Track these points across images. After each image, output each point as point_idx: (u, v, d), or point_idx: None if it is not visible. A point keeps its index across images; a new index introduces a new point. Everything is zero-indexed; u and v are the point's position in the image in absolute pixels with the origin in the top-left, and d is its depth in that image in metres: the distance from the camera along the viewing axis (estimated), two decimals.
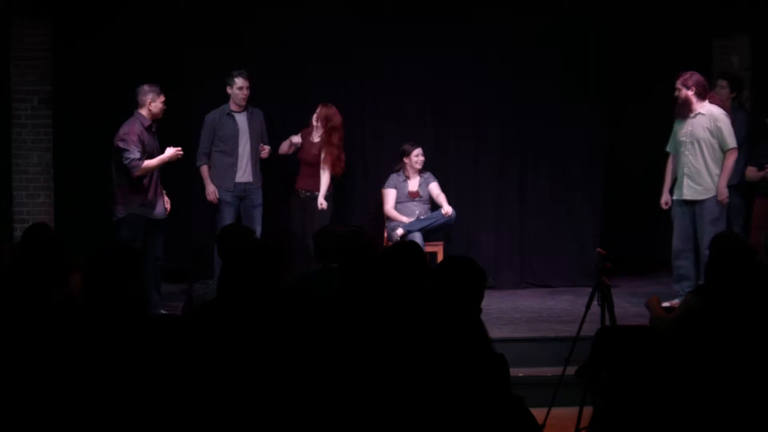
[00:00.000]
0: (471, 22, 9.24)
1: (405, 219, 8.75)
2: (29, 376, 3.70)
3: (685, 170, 7.92)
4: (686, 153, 7.92)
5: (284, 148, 8.75)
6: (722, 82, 8.68)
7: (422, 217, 8.81)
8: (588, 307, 5.88)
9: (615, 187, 9.38)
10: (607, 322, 5.66)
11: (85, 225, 8.56)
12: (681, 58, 9.03)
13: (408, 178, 8.92)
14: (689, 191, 7.91)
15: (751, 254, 4.55)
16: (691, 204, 7.94)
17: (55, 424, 3.59)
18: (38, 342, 3.81)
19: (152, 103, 7.83)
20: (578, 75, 9.26)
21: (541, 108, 9.35)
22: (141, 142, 7.73)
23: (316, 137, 8.69)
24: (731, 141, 7.86)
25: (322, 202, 8.56)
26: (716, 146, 7.87)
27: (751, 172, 8.26)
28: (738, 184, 8.23)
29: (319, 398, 3.59)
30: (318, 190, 8.60)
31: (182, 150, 7.93)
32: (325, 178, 8.60)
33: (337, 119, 8.65)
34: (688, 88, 7.87)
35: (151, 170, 7.82)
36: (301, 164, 8.77)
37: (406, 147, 8.88)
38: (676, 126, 8.04)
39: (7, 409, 3.67)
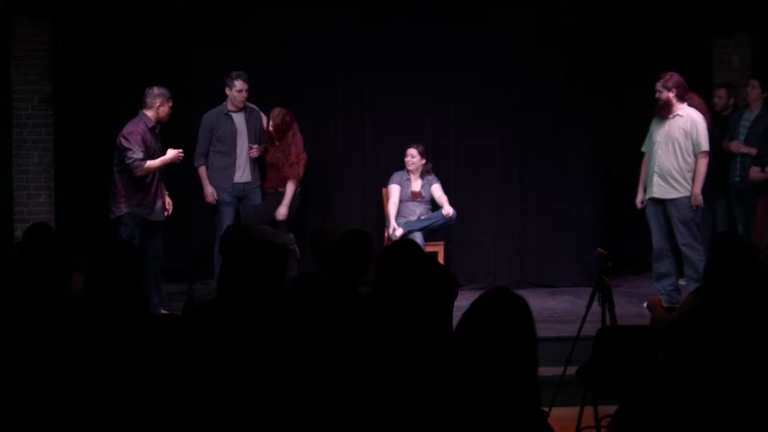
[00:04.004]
0: (471, 22, 9.24)
1: (394, 224, 8.72)
2: (31, 376, 3.71)
3: (656, 169, 7.97)
4: (659, 152, 7.95)
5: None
6: (753, 82, 8.71)
7: (423, 217, 8.81)
8: (589, 307, 5.89)
9: (615, 187, 9.38)
10: (608, 322, 5.67)
11: (86, 225, 8.55)
12: (681, 58, 9.04)
13: (410, 177, 8.91)
14: (659, 189, 7.96)
15: (751, 254, 4.55)
16: (662, 203, 7.97)
17: (56, 423, 3.59)
18: (39, 342, 3.82)
19: (160, 107, 7.84)
20: (578, 75, 9.26)
21: (541, 108, 9.35)
22: (144, 142, 7.74)
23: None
24: (705, 144, 7.88)
25: (283, 212, 8.45)
26: (689, 148, 7.89)
27: (755, 172, 8.26)
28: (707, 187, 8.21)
29: (319, 399, 3.59)
30: (283, 187, 8.49)
31: (183, 152, 7.95)
32: (288, 189, 8.49)
33: (281, 123, 8.44)
34: (668, 89, 7.90)
35: (152, 171, 7.83)
36: (267, 165, 8.68)
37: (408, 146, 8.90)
38: (654, 126, 8.08)
39: (9, 408, 3.67)
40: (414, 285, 3.73)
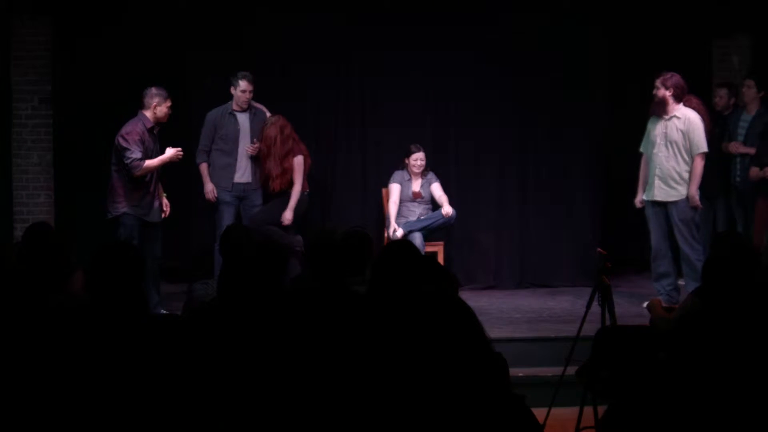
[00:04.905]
0: (471, 22, 9.24)
1: (394, 225, 8.71)
2: (30, 376, 3.71)
3: (657, 171, 7.96)
4: (658, 154, 7.95)
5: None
6: (749, 82, 8.70)
7: (422, 217, 8.81)
8: (588, 307, 5.88)
9: (615, 187, 9.39)
10: (608, 322, 5.66)
11: (86, 225, 8.54)
12: (681, 58, 9.04)
13: (411, 177, 8.91)
14: (660, 192, 7.95)
15: (751, 254, 4.54)
16: (663, 205, 7.97)
17: (56, 423, 3.59)
18: (39, 342, 3.81)
19: (158, 107, 7.83)
20: (578, 75, 9.27)
21: (541, 108, 9.36)
22: (142, 142, 7.74)
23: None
24: (702, 145, 7.87)
25: (288, 217, 8.39)
26: (687, 149, 7.89)
27: (754, 171, 8.27)
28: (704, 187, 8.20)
29: (318, 399, 3.59)
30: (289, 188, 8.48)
31: (182, 151, 7.94)
32: (294, 193, 8.44)
33: (271, 132, 8.40)
34: (666, 88, 7.89)
35: (151, 170, 7.82)
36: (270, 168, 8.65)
37: (410, 147, 8.86)
38: (651, 125, 8.07)
39: (8, 409, 3.67)
40: (408, 284, 3.74)
